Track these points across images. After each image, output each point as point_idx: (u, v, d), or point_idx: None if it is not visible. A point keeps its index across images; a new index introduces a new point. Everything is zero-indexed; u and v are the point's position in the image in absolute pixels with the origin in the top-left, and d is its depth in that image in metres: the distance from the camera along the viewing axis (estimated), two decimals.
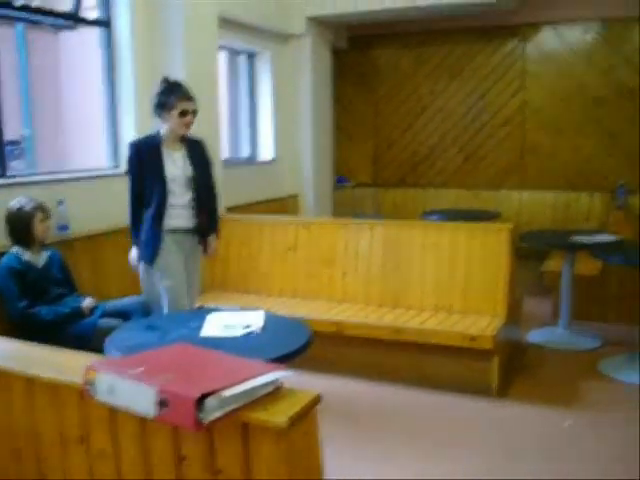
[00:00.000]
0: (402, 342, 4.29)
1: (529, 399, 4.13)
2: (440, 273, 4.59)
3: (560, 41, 7.48)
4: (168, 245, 3.80)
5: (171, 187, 3.77)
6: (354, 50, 8.30)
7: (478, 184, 7.83)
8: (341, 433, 3.63)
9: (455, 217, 6.19)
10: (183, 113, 3.72)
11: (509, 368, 4.45)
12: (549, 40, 7.53)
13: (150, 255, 3.78)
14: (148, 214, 3.78)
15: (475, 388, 4.17)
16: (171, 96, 3.71)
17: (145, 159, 3.76)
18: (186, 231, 3.89)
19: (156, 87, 3.81)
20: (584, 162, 7.48)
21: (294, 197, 7.37)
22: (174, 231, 3.83)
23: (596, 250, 4.87)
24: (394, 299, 4.64)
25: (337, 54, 8.07)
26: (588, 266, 5.59)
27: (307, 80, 7.23)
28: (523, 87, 7.70)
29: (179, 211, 3.83)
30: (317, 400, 1.72)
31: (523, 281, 5.94)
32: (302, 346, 2.80)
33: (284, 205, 7.13)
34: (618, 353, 4.82)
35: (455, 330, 4.19)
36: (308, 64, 7.21)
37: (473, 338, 4.09)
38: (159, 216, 3.76)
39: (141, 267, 3.91)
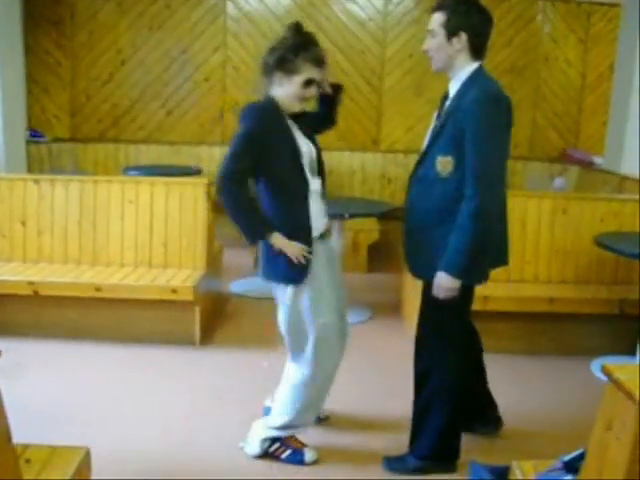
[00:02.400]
0: (103, 299, 4.24)
1: (231, 345, 4.37)
2: (140, 228, 4.56)
3: (259, 3, 7.73)
4: (320, 258, 2.86)
5: (305, 170, 2.79)
6: None
7: (180, 140, 7.84)
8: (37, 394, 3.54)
9: (156, 173, 6.13)
10: (308, 83, 2.76)
11: (211, 317, 4.63)
12: (248, 0, 7.75)
13: (301, 272, 2.80)
14: (281, 211, 2.78)
15: (180, 339, 4.31)
16: (299, 55, 2.71)
17: (273, 129, 2.74)
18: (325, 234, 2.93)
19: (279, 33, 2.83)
20: None
21: None
22: (321, 236, 2.90)
23: None
24: (93, 256, 4.54)
25: None
26: None
27: None
28: (224, 44, 7.84)
29: (319, 206, 2.88)
30: None
31: (225, 234, 6.16)
32: None
33: None
34: None
35: (156, 284, 4.25)
36: None
37: (174, 290, 4.19)
38: (305, 211, 2.79)
39: (287, 294, 2.89)
